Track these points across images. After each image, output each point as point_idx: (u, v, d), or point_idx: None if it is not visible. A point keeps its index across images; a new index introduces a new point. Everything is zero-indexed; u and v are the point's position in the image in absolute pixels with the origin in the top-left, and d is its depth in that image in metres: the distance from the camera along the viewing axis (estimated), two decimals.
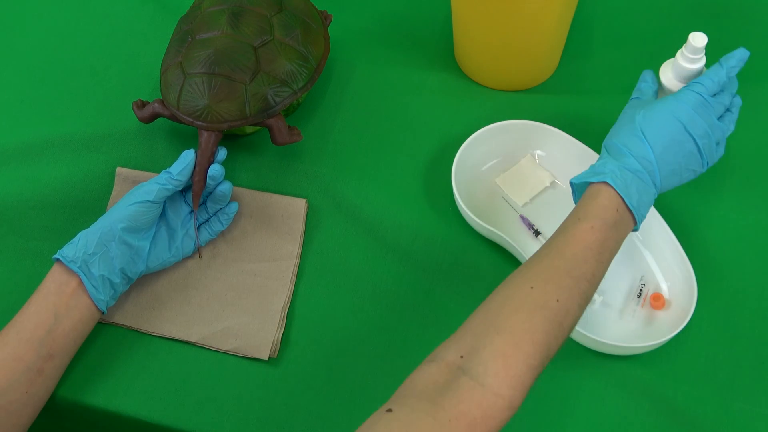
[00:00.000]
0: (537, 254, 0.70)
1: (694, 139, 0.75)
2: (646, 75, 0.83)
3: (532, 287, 0.66)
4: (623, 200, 0.71)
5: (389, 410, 0.61)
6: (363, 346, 0.81)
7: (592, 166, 0.75)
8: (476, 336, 0.64)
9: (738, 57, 0.78)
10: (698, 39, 0.78)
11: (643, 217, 0.73)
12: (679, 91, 0.77)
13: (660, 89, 0.83)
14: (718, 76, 0.77)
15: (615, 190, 0.71)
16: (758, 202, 0.87)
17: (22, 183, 0.91)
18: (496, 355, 0.62)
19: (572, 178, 0.76)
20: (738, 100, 0.80)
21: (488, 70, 0.95)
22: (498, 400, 0.61)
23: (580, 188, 0.76)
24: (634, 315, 0.80)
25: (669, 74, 0.81)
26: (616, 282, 0.82)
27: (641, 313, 0.80)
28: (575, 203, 0.75)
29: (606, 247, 0.70)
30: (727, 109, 0.79)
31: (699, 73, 0.80)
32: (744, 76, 0.94)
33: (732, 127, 0.78)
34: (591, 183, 0.73)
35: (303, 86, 0.88)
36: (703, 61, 0.80)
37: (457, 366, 0.63)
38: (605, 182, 0.72)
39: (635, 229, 0.73)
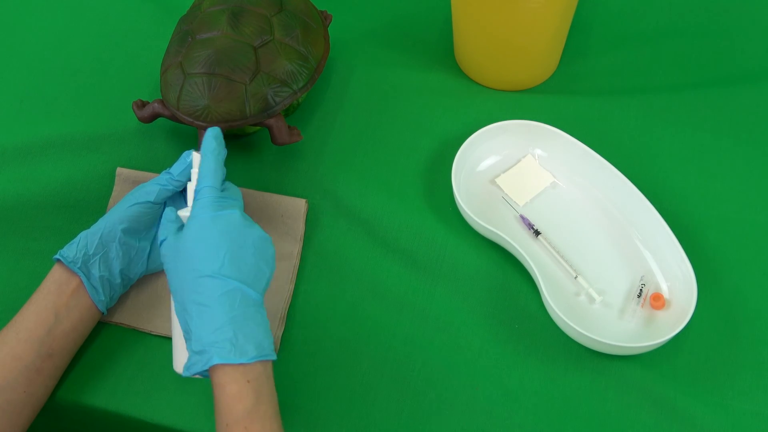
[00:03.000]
0: None
1: (246, 234, 0.71)
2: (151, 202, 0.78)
3: None
4: (245, 364, 0.67)
5: None
6: (363, 346, 0.81)
7: (190, 348, 0.69)
8: None
9: (209, 143, 0.76)
10: (195, 158, 0.76)
11: (271, 346, 0.69)
12: (192, 208, 0.73)
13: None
14: (209, 164, 0.75)
15: (230, 364, 0.66)
16: (758, 202, 0.87)
17: (22, 183, 0.91)
18: None
19: (184, 373, 0.69)
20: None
21: (488, 70, 0.95)
22: None
23: (204, 373, 0.69)
24: (634, 315, 0.80)
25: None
26: (616, 282, 0.82)
27: (641, 313, 0.80)
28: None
29: (268, 419, 0.67)
30: None
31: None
32: (744, 75, 0.95)
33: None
34: (209, 370, 0.68)
35: (303, 86, 0.88)
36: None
37: None
38: (218, 364, 0.67)
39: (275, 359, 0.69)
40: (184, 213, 0.76)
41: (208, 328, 0.68)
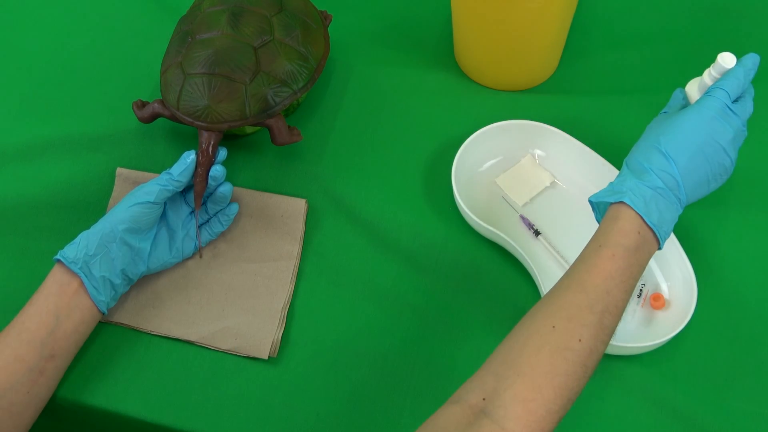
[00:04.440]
0: (559, 285, 0.69)
1: (723, 148, 0.74)
2: (677, 92, 0.82)
3: (554, 326, 0.65)
4: (644, 220, 0.70)
5: None
6: (363, 346, 0.81)
7: (611, 184, 0.74)
8: (498, 377, 0.63)
9: (752, 60, 0.76)
10: (727, 59, 0.75)
11: (667, 234, 0.72)
12: (701, 98, 0.76)
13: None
14: (738, 79, 0.75)
15: (635, 210, 0.70)
16: (758, 202, 0.87)
17: (22, 183, 0.91)
18: (516, 399, 0.62)
19: (590, 197, 0.74)
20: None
21: (488, 70, 0.95)
22: None
23: (600, 207, 0.74)
24: (634, 315, 0.80)
25: (695, 94, 0.78)
26: None
27: (641, 313, 0.80)
28: (597, 222, 0.74)
29: (629, 273, 0.68)
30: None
31: None
32: None
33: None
34: (610, 204, 0.72)
35: (303, 86, 0.88)
36: None
37: (480, 408, 0.62)
38: (624, 203, 0.71)
39: (659, 248, 0.71)
40: (694, 89, 0.78)
41: (636, 180, 0.72)
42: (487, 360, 0.66)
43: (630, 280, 0.68)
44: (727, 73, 0.76)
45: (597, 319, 0.66)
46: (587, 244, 0.71)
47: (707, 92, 0.75)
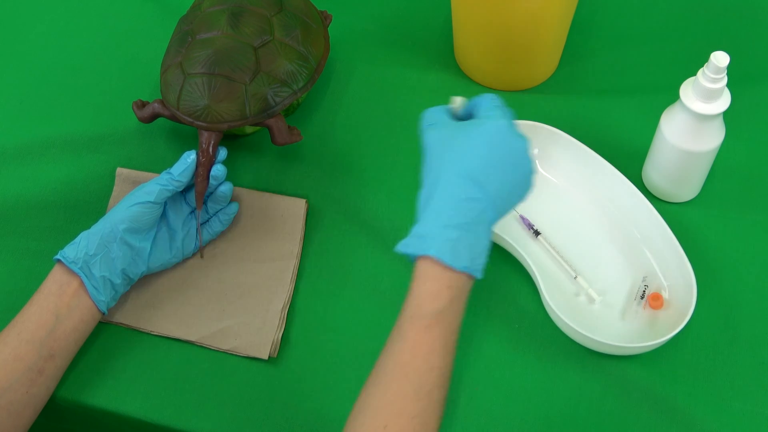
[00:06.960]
0: (382, 367, 0.67)
1: (523, 156, 0.70)
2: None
3: (385, 426, 0.64)
4: (453, 269, 0.66)
5: None
6: (363, 346, 0.81)
7: (414, 229, 0.69)
8: None
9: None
10: (720, 59, 0.74)
11: (482, 265, 0.68)
12: (479, 119, 0.72)
13: (670, 116, 0.81)
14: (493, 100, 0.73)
15: (441, 262, 0.66)
16: (758, 202, 0.87)
17: (22, 183, 0.91)
18: None
19: (397, 247, 0.70)
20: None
21: (488, 70, 0.95)
22: None
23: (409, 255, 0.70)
24: (628, 314, 0.80)
25: (689, 94, 0.78)
26: (616, 282, 0.82)
27: (641, 313, 0.80)
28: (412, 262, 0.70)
29: (450, 331, 0.67)
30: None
31: (720, 93, 0.77)
32: (743, 76, 0.94)
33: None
34: (418, 257, 0.68)
35: (303, 86, 0.88)
36: (725, 80, 0.76)
37: None
38: (431, 256, 0.67)
39: (478, 278, 0.68)
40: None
41: (439, 220, 0.68)
42: None
43: (451, 337, 0.67)
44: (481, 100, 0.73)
45: (426, 403, 0.65)
46: (402, 310, 0.68)
47: (486, 113, 0.71)
